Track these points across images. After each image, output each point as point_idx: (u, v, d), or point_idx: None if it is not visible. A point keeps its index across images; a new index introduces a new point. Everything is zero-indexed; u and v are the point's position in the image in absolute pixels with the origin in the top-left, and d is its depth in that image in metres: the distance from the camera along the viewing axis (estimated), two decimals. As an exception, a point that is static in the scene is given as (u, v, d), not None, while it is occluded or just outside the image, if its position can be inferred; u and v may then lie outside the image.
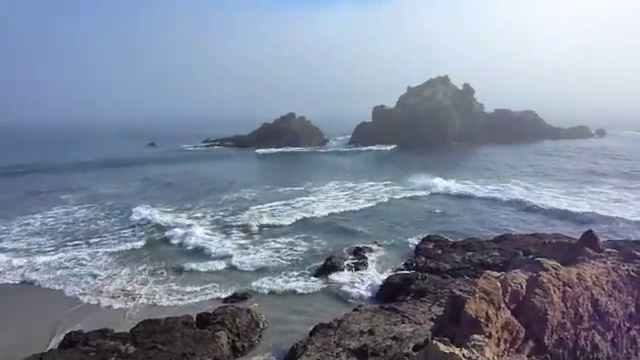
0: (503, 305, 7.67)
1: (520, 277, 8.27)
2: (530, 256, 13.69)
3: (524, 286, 8.11)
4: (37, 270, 25.80)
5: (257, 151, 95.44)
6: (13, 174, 64.36)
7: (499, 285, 7.86)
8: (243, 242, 30.73)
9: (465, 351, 6.27)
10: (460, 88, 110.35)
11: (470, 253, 25.27)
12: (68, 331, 17.32)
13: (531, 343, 7.72)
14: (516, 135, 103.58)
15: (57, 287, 23.54)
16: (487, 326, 7.24)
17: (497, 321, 7.40)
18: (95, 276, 24.74)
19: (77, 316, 20.04)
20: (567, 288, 8.29)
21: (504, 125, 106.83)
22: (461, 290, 18.05)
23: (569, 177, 54.58)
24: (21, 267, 26.14)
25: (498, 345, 7.31)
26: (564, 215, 36.17)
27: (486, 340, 7.03)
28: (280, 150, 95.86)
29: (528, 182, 50.96)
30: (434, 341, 6.39)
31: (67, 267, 26.24)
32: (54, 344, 17.17)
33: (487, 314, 7.33)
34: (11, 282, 24.29)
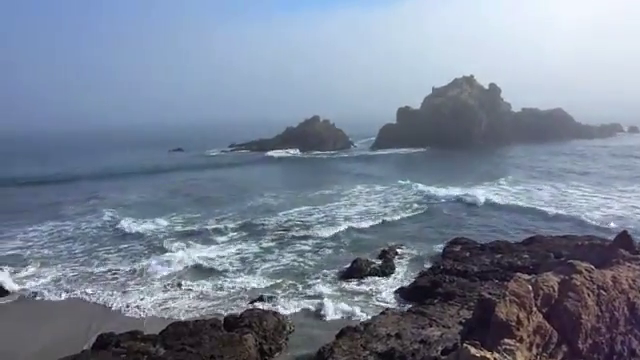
0: (535, 309, 7.50)
1: (552, 280, 8.08)
2: (562, 258, 13.35)
3: (556, 289, 7.91)
4: (67, 277, 26.37)
5: (277, 155, 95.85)
6: (41, 183, 65.48)
7: (530, 288, 7.69)
8: (269, 245, 30.90)
9: (497, 355, 6.16)
10: (486, 87, 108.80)
11: (499, 256, 24.76)
12: (100, 333, 17.71)
13: (564, 348, 7.52)
14: (545, 134, 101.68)
15: (87, 293, 23.94)
16: (518, 330, 7.09)
17: (529, 325, 7.25)
18: (125, 284, 25.01)
19: (108, 320, 20.42)
20: (602, 291, 8.05)
21: (532, 124, 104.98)
22: (490, 293, 17.71)
23: (600, 178, 53.06)
24: (52, 274, 26.74)
25: (530, 350, 7.16)
26: (596, 216, 35.20)
27: (517, 344, 6.89)
28: (305, 154, 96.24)
29: (558, 183, 49.86)
30: (465, 344, 6.31)
31: (97, 274, 26.72)
32: (87, 346, 17.56)
33: (518, 318, 7.18)
34: (43, 289, 24.78)
